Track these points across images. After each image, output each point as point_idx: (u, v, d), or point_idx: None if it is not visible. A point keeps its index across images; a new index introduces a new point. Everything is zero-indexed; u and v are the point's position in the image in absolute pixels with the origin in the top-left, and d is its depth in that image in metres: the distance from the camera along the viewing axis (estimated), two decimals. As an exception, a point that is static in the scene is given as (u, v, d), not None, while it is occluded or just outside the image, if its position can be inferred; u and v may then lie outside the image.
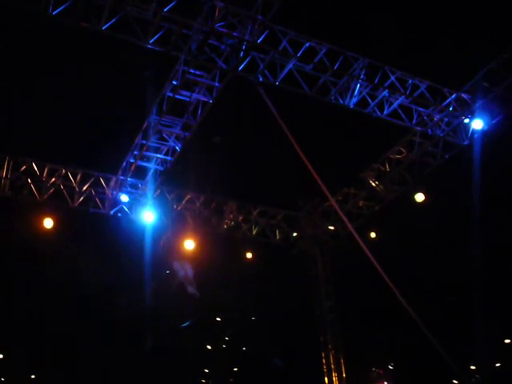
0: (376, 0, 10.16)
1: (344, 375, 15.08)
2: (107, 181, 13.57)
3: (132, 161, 12.59)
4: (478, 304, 16.04)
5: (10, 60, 10.43)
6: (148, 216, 13.42)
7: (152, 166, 12.59)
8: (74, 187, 13.23)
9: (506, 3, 9.99)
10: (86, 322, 16.79)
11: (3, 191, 12.53)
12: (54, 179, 12.98)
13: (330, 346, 15.35)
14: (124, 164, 12.94)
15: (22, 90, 11.28)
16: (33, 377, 19.40)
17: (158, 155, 12.24)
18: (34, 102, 11.47)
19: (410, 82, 11.50)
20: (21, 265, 15.53)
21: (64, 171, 13.12)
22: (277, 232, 16.05)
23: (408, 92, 11.49)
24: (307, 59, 10.55)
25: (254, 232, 15.58)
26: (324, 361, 15.36)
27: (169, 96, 10.76)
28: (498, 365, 19.79)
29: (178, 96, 10.65)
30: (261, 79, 10.35)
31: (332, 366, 15.17)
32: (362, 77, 11.01)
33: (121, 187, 13.29)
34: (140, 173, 12.95)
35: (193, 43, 9.67)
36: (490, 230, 14.79)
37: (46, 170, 12.91)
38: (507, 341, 20.14)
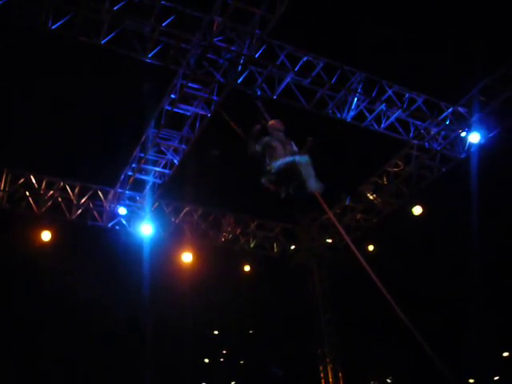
0: (373, 15, 10.23)
1: (342, 388, 15.01)
2: (105, 194, 13.58)
3: (130, 174, 12.61)
4: (476, 317, 16.02)
5: (6, 73, 10.46)
6: (146, 229, 13.43)
7: (150, 179, 12.62)
8: (72, 200, 13.23)
9: (503, 19, 10.10)
10: (83, 335, 16.69)
11: (1, 204, 12.52)
12: (51, 192, 12.99)
13: (327, 359, 15.29)
14: (122, 177, 12.96)
15: (19, 104, 11.30)
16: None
17: (156, 168, 12.29)
18: (31, 115, 11.48)
19: (407, 95, 11.59)
20: (18, 277, 15.47)
21: (62, 184, 13.13)
22: (274, 245, 16.06)
23: (405, 106, 11.58)
24: (305, 73, 10.64)
25: (252, 245, 15.57)
26: (322, 374, 15.29)
27: (167, 109, 10.82)
28: (496, 378, 19.72)
29: (176, 110, 10.71)
30: (259, 93, 10.40)
31: (330, 380, 15.09)
32: (359, 91, 11.10)
33: (119, 200, 13.30)
34: (138, 186, 12.97)
35: (191, 57, 9.75)
36: (487, 243, 14.79)
37: (43, 183, 12.92)
38: (505, 354, 20.09)
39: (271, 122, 7.04)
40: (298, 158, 6.40)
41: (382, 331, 17.30)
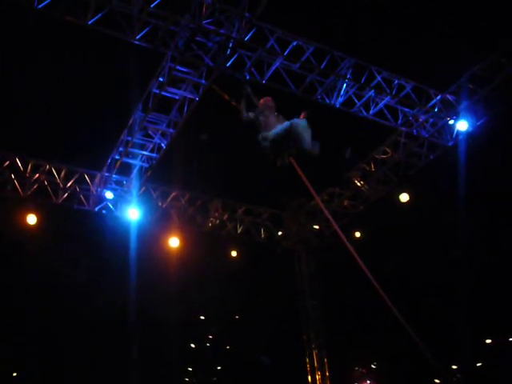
0: (363, 1, 10.17)
1: (327, 374, 15.13)
2: (92, 177, 13.47)
3: (117, 157, 12.53)
4: (459, 304, 16.14)
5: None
6: (133, 213, 13.37)
7: (137, 163, 12.55)
8: (59, 183, 13.11)
9: (492, 7, 10.09)
10: (68, 320, 16.63)
11: (-14, 187, 12.39)
12: (37, 175, 12.85)
13: (313, 345, 15.39)
14: (109, 161, 12.87)
15: (4, 86, 11.14)
16: (14, 374, 19.21)
17: (144, 152, 12.22)
18: (17, 97, 11.33)
19: (396, 82, 11.56)
20: (3, 261, 15.36)
21: (48, 167, 13.00)
22: (262, 231, 16.05)
23: (394, 92, 11.56)
24: (294, 58, 10.56)
25: (239, 230, 15.55)
26: (307, 359, 15.40)
27: (155, 93, 10.72)
28: (479, 364, 19.92)
29: (164, 93, 10.62)
30: (248, 77, 10.32)
31: (315, 365, 15.21)
32: (348, 76, 11.06)
33: (105, 184, 13.22)
34: (125, 170, 12.89)
35: (180, 40, 9.63)
36: (474, 230, 14.89)
37: (29, 166, 12.77)
38: (488, 341, 20.27)
39: (262, 100, 7.05)
40: (296, 120, 6.34)
41: (367, 317, 17.41)
